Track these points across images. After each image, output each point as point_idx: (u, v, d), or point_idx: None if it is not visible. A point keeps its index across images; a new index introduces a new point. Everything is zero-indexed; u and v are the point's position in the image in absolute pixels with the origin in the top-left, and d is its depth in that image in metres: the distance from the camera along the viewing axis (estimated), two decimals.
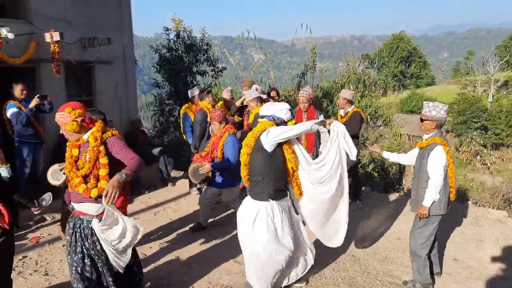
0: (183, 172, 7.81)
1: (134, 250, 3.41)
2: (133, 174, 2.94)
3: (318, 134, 6.27)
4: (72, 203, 3.23)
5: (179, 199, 6.92)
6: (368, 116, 11.66)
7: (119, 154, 3.11)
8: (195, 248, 4.94)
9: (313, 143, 6.23)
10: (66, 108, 3.11)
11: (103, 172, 3.10)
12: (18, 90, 5.83)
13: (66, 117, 3.09)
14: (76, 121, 3.09)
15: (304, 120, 6.26)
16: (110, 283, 3.24)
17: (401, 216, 6.25)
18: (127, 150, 3.13)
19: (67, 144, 3.24)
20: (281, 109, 3.74)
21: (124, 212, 3.21)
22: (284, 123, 3.75)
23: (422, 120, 4.01)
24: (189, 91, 7.17)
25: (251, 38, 10.55)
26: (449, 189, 3.95)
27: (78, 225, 3.19)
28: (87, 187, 3.09)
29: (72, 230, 3.20)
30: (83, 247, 3.16)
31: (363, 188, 7.62)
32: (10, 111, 5.71)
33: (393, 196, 7.27)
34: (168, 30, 12.03)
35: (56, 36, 6.21)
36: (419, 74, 48.29)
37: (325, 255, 4.77)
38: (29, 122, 5.73)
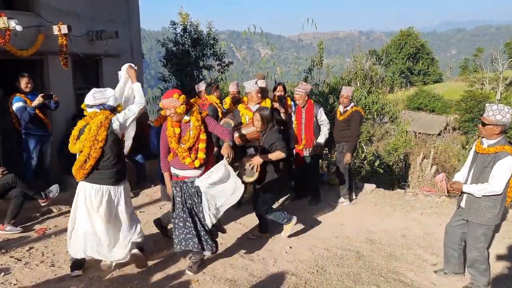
0: None
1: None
2: (231, 141, 4.01)
3: (318, 126, 6.20)
4: (175, 170, 4.04)
5: None
6: (375, 113, 11.60)
7: (214, 129, 4.05)
8: None
9: (312, 137, 6.19)
10: (174, 94, 3.83)
11: (202, 145, 3.95)
12: (23, 83, 5.86)
13: (175, 102, 3.82)
14: (184, 104, 3.84)
15: (303, 116, 6.21)
16: (205, 237, 4.08)
17: (406, 213, 6.24)
18: (219, 125, 4.13)
19: (168, 124, 4.00)
20: (109, 96, 3.95)
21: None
22: (114, 109, 3.98)
23: (484, 124, 3.72)
24: (196, 86, 7.18)
25: (258, 33, 10.50)
26: (506, 198, 3.81)
27: (184, 187, 4.03)
28: (191, 159, 3.91)
29: (180, 193, 4.05)
30: (187, 204, 4.03)
31: (368, 184, 7.60)
32: (16, 106, 5.74)
33: (398, 193, 7.25)
34: (175, 24, 12.03)
35: (64, 29, 6.23)
36: (427, 71, 47.88)
37: (329, 251, 4.78)
38: (33, 119, 5.76)
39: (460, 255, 4.17)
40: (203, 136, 3.94)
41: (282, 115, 6.17)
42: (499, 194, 3.72)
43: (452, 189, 4.02)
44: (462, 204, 4.00)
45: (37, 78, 6.42)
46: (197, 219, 4.05)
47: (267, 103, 5.96)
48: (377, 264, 4.51)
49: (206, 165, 4.00)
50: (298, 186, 6.67)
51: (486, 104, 3.88)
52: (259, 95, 5.81)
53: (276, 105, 6.27)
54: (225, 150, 3.85)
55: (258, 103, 5.82)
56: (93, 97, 3.89)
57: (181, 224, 4.07)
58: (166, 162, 4.14)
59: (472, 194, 3.84)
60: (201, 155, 3.93)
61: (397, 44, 48.52)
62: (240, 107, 5.98)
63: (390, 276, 4.25)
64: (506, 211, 6.32)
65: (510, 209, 6.82)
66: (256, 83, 5.89)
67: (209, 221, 3.97)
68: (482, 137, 3.86)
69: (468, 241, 4.00)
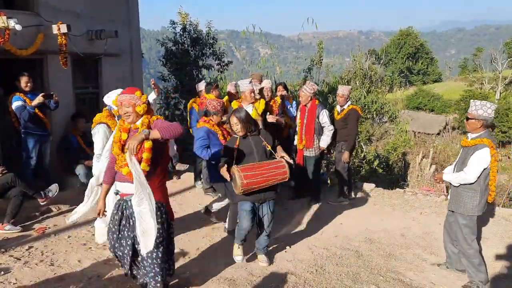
0: (187, 166, 7.84)
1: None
2: (160, 132, 3.08)
3: (321, 128, 6.19)
4: (117, 185, 3.41)
5: (184, 192, 6.95)
6: (374, 112, 11.61)
7: (159, 125, 3.20)
8: (199, 241, 4.96)
9: (313, 138, 6.17)
10: (137, 92, 3.30)
11: (146, 155, 3.20)
12: (23, 82, 5.86)
13: (136, 99, 3.27)
14: (145, 104, 3.29)
15: (306, 115, 6.19)
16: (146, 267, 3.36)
17: (405, 212, 6.24)
18: (166, 122, 3.26)
19: (117, 127, 3.42)
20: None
21: (162, 195, 3.42)
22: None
23: (468, 118, 3.97)
24: (196, 85, 7.19)
25: (257, 32, 10.51)
26: (489, 192, 3.99)
27: (123, 206, 3.37)
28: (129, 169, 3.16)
29: (120, 213, 3.38)
30: (128, 227, 3.34)
31: (366, 184, 7.60)
32: (15, 104, 5.74)
33: (397, 193, 7.25)
34: (174, 24, 12.02)
35: (64, 28, 6.23)
36: (426, 70, 47.89)
37: (328, 250, 4.79)
38: (32, 118, 5.76)
39: (460, 250, 4.21)
40: (147, 145, 3.19)
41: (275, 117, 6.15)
42: (474, 183, 3.93)
43: (436, 179, 4.39)
44: (449, 196, 4.27)
45: (36, 77, 6.42)
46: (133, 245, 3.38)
47: (261, 104, 5.96)
48: (376, 263, 4.52)
49: (150, 179, 3.21)
50: (298, 185, 6.67)
51: (471, 100, 4.14)
52: (252, 94, 5.81)
53: (275, 106, 6.29)
54: (129, 141, 3.11)
55: (252, 103, 5.84)
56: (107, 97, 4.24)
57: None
58: (111, 173, 3.53)
59: (451, 184, 4.12)
60: (144, 166, 3.18)
61: (397, 43, 48.54)
62: (234, 103, 5.98)
63: (389, 275, 4.26)
64: (493, 208, 6.34)
65: (509, 208, 6.83)
66: (250, 82, 5.91)
67: (144, 249, 3.25)
68: (468, 132, 4.09)
69: (456, 234, 4.19)
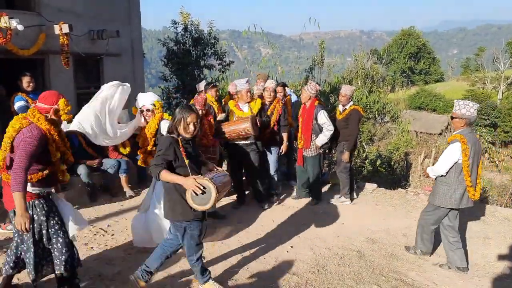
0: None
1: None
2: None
3: (319, 128, 6.16)
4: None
5: None
6: (376, 112, 11.59)
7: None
8: None
9: (310, 138, 6.15)
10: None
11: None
12: (25, 82, 5.86)
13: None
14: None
15: (305, 114, 6.23)
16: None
17: (407, 212, 6.23)
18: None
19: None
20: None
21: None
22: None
23: (452, 117, 4.18)
24: (197, 85, 7.20)
25: (259, 32, 10.51)
26: (465, 187, 4.16)
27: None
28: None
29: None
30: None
31: (368, 183, 7.59)
32: (17, 105, 5.74)
33: (399, 193, 7.24)
34: (176, 24, 12.03)
35: (65, 28, 6.24)
36: (428, 70, 47.86)
37: (330, 250, 4.78)
38: None
39: (444, 241, 4.47)
40: None
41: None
42: (446, 177, 4.21)
43: (424, 174, 4.82)
44: None
45: (38, 77, 6.43)
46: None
47: (257, 103, 5.96)
48: (378, 263, 4.51)
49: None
50: (299, 185, 6.66)
51: (455, 100, 4.37)
52: (248, 94, 5.86)
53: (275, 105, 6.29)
54: None
55: (248, 102, 5.88)
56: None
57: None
58: None
59: (436, 182, 4.37)
60: None
61: (399, 43, 48.47)
62: (230, 103, 6.01)
63: (391, 275, 4.24)
64: (496, 208, 6.32)
65: (510, 208, 6.81)
66: (247, 82, 5.96)
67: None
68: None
69: (422, 212, 4.63)
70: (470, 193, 4.18)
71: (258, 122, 5.79)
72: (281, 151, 6.35)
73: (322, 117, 6.07)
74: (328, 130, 6.11)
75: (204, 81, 7.42)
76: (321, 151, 6.31)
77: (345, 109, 6.33)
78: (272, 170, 6.46)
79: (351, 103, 6.37)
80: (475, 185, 4.21)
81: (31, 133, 3.11)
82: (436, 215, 4.42)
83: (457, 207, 4.25)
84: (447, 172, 4.18)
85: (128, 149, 6.20)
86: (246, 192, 6.46)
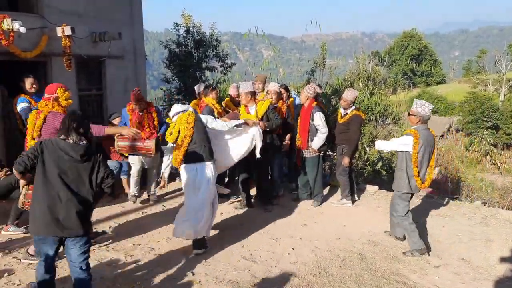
0: None
1: None
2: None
3: (315, 128, 6.15)
4: None
5: None
6: (378, 114, 11.57)
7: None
8: None
9: (307, 139, 6.18)
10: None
11: None
12: (28, 84, 5.87)
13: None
14: None
15: (303, 114, 6.28)
16: None
17: None
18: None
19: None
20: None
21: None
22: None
23: (409, 114, 4.78)
24: (195, 87, 7.20)
25: (260, 34, 10.51)
26: (413, 173, 4.67)
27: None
28: None
29: None
30: None
31: (368, 186, 7.58)
32: (20, 106, 5.74)
33: None
34: (178, 26, 12.05)
35: (68, 31, 6.26)
36: (430, 72, 47.78)
37: (331, 253, 4.77)
38: None
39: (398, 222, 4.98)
40: None
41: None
42: (400, 164, 4.79)
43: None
44: None
45: (40, 79, 6.44)
46: None
47: (264, 105, 5.95)
48: (380, 266, 4.50)
49: None
50: (300, 187, 6.66)
51: (414, 99, 4.93)
52: (248, 96, 5.81)
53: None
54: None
55: (255, 104, 5.89)
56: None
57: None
58: None
59: (396, 170, 4.99)
60: None
61: (400, 45, 48.44)
62: (242, 110, 5.98)
63: (393, 278, 4.24)
64: (498, 211, 6.30)
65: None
66: (253, 83, 5.99)
67: None
68: None
69: (395, 207, 4.95)
70: (417, 182, 4.70)
71: (262, 125, 5.67)
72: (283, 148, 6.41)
73: (317, 119, 6.08)
74: (321, 132, 6.11)
75: (202, 83, 7.43)
76: (320, 153, 6.33)
77: (347, 113, 6.31)
78: (276, 175, 6.48)
79: (353, 107, 6.36)
80: (424, 176, 4.75)
81: (59, 114, 4.07)
82: (401, 203, 4.85)
83: (412, 192, 4.82)
84: (401, 161, 4.78)
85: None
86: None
